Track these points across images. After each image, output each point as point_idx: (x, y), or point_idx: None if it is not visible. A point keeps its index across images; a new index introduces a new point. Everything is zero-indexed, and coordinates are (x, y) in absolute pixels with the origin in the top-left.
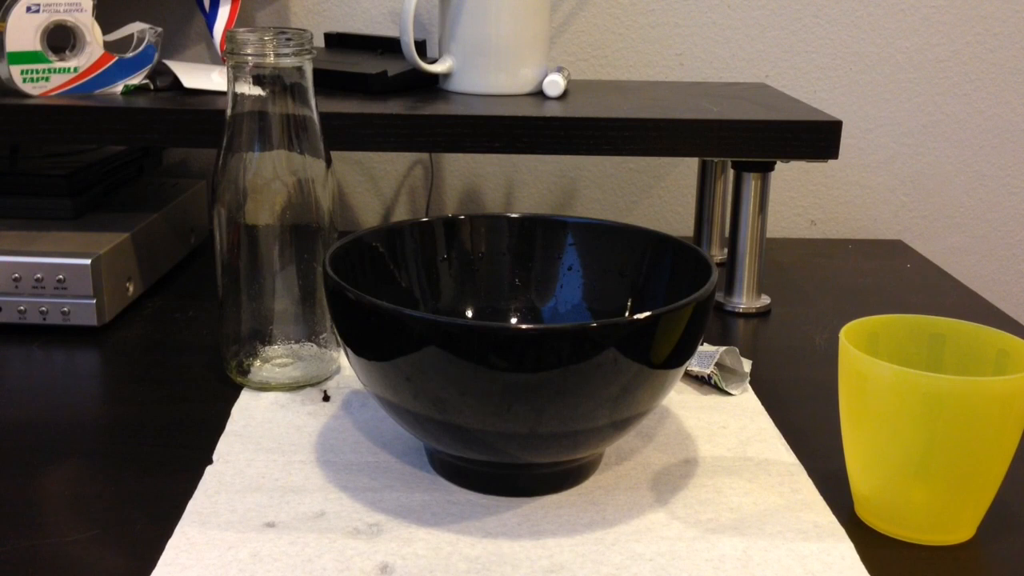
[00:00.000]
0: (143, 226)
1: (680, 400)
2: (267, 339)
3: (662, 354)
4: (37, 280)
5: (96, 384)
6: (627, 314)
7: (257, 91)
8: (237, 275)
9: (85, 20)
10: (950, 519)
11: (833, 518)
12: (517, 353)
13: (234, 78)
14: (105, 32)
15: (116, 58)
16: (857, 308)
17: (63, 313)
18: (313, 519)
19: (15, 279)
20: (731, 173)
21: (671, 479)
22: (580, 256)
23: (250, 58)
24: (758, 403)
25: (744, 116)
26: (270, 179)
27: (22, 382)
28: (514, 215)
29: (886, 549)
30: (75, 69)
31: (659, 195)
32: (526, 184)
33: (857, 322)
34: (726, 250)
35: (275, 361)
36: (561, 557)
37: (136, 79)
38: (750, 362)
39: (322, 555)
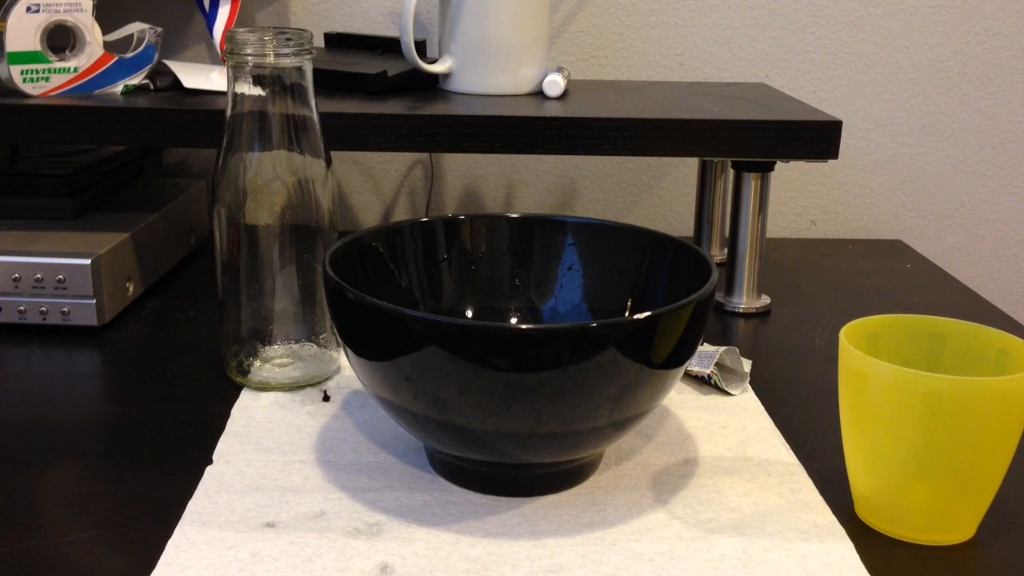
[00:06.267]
0: (143, 226)
1: (680, 400)
2: (267, 339)
3: (662, 354)
4: (37, 280)
5: (96, 384)
6: (627, 314)
7: (257, 91)
8: (237, 275)
9: (85, 20)
10: (950, 519)
11: (833, 518)
12: (517, 353)
13: (234, 78)
14: (105, 32)
15: (116, 58)
16: (857, 308)
17: (63, 313)
18: (313, 519)
19: (15, 279)
20: (731, 173)
21: (671, 479)
22: (580, 256)
23: (250, 58)
24: (758, 403)
25: (744, 116)
26: (270, 179)
27: (22, 382)
28: (514, 215)
29: (886, 549)
30: (75, 69)
31: (659, 195)
32: (526, 184)
33: (857, 322)
34: (726, 250)
35: (275, 361)
36: (561, 557)
37: (136, 79)
38: (750, 362)
39: (322, 555)
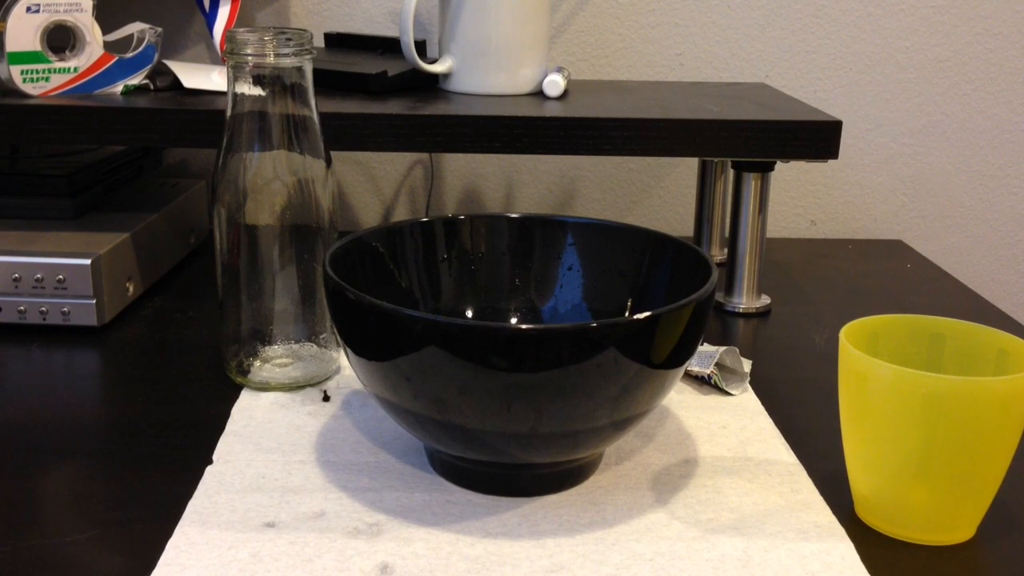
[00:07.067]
0: (143, 226)
1: (680, 400)
2: (267, 339)
3: (662, 354)
4: (37, 280)
5: (96, 384)
6: (627, 314)
7: (257, 91)
8: (237, 275)
9: (85, 20)
10: (950, 519)
11: (833, 518)
12: (517, 353)
13: (234, 78)
14: (105, 32)
15: (116, 58)
16: (857, 308)
17: (63, 313)
18: (313, 519)
19: (15, 279)
20: (731, 173)
21: (671, 479)
22: (580, 256)
23: (250, 58)
24: (758, 403)
25: (744, 116)
26: (270, 179)
27: (22, 382)
28: (514, 215)
29: (886, 549)
30: (75, 69)
31: (659, 195)
32: (526, 184)
33: (857, 322)
34: (726, 250)
35: (275, 361)
36: (561, 557)
37: (136, 79)
38: (750, 362)
39: (322, 555)
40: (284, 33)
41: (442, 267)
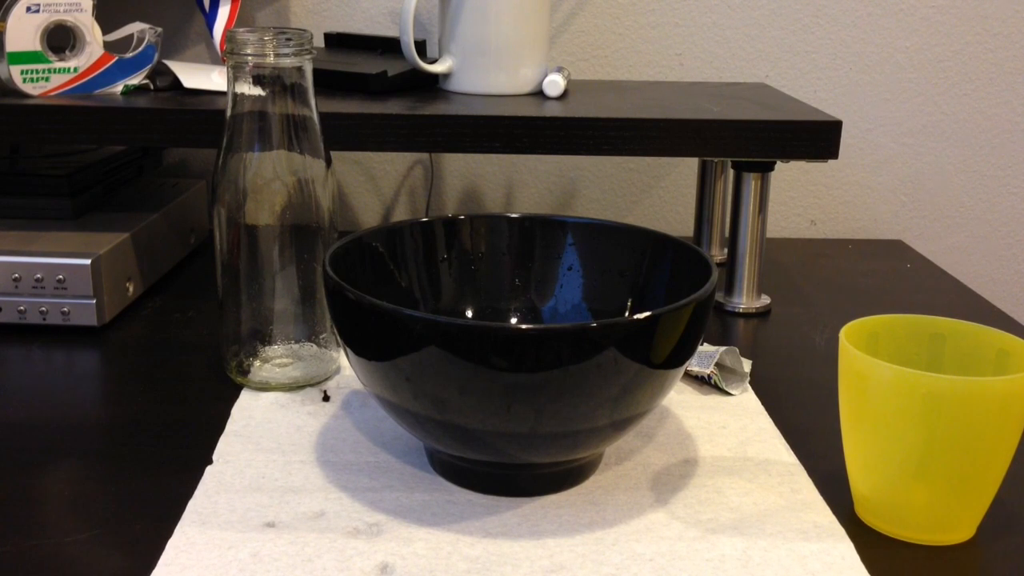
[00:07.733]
0: (143, 226)
1: (680, 400)
2: (267, 339)
3: (662, 354)
4: (37, 280)
5: (96, 384)
6: (627, 314)
7: (257, 91)
8: (237, 275)
9: (85, 20)
10: (950, 519)
11: (833, 518)
12: (517, 353)
13: (234, 78)
14: (105, 32)
15: (116, 58)
16: (857, 308)
17: (63, 313)
18: (313, 519)
19: (15, 279)
20: (731, 173)
21: (671, 479)
22: (580, 256)
23: (250, 58)
24: (758, 403)
25: (744, 116)
26: (270, 179)
27: (22, 382)
28: (514, 215)
29: (886, 549)
30: (75, 69)
31: (659, 195)
32: (526, 184)
33: (857, 322)
34: (726, 250)
35: (275, 361)
36: (561, 557)
37: (136, 79)
38: (750, 362)
39: (322, 555)
40: (284, 33)
41: (442, 267)
